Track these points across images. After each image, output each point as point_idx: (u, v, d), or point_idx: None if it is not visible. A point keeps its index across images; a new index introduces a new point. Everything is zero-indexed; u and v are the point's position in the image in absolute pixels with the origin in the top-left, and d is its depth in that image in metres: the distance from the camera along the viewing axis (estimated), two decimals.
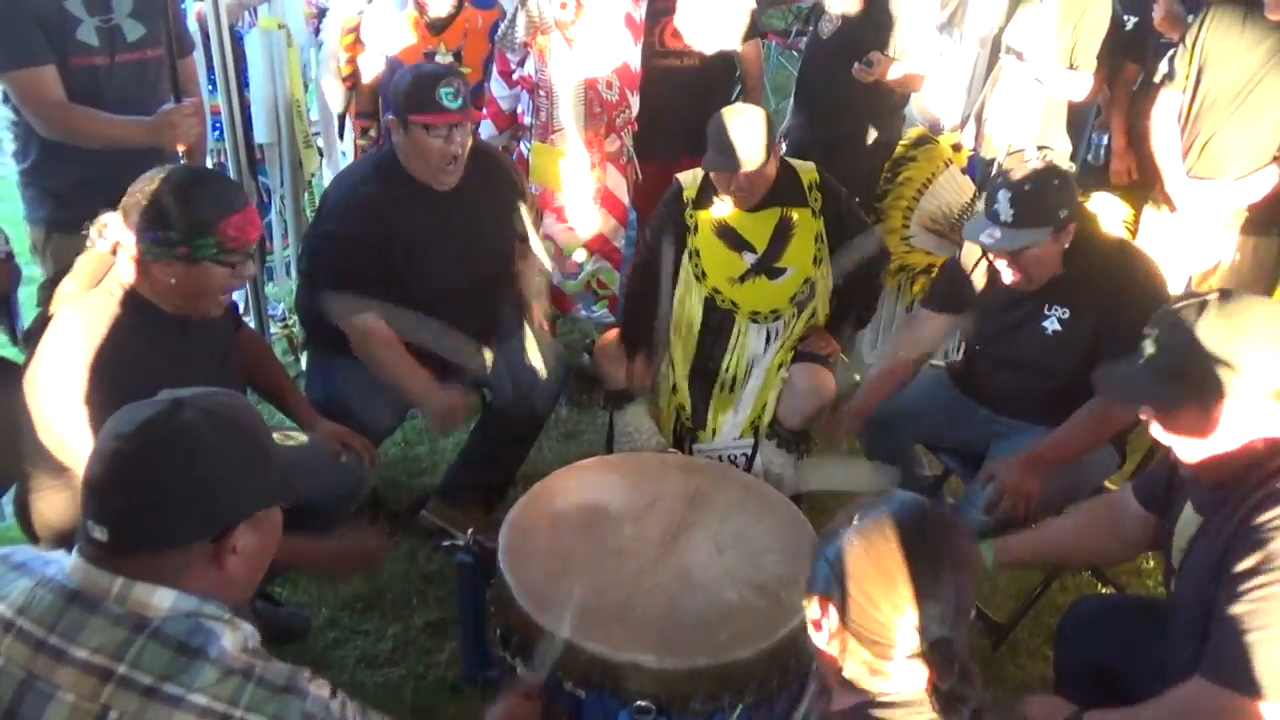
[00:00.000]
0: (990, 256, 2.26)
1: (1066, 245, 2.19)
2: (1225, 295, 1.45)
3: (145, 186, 1.75)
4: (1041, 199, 2.13)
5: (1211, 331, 1.41)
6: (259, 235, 1.85)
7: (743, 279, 2.64)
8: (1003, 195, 2.14)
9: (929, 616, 1.11)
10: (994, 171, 3.16)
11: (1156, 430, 1.52)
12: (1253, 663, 1.33)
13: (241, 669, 1.09)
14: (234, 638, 1.12)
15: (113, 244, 1.78)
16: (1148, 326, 1.52)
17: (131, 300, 1.78)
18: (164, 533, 1.11)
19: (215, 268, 1.77)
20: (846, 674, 1.16)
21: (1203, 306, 1.44)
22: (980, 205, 3.15)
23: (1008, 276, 2.24)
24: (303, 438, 1.28)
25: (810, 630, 1.20)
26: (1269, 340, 1.39)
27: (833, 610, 1.16)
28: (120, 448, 1.11)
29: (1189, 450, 1.49)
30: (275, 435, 1.24)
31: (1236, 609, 1.36)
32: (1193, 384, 1.42)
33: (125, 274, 1.78)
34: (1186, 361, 1.43)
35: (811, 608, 1.19)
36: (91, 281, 1.79)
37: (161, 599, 1.10)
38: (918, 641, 1.11)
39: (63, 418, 1.69)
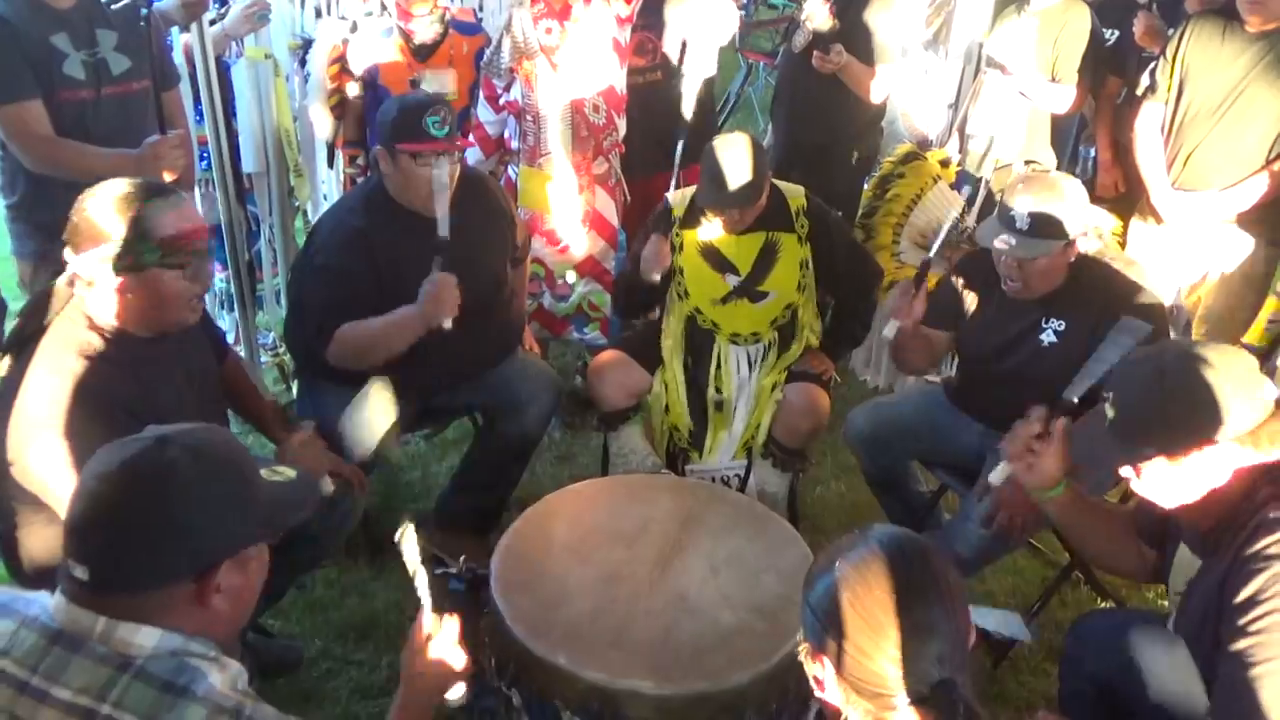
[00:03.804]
0: (999, 263, 2.27)
1: (1072, 260, 2.22)
2: (1175, 347, 1.47)
3: (78, 207, 1.73)
4: (1058, 214, 2.15)
5: (1168, 385, 1.42)
6: (203, 233, 1.81)
7: (725, 300, 2.64)
8: (1020, 204, 2.16)
9: (926, 659, 1.07)
10: (981, 186, 3.18)
11: (1136, 485, 1.51)
12: (1261, 697, 1.32)
13: (231, 708, 1.08)
14: (222, 677, 1.10)
15: (69, 276, 1.76)
16: (1105, 389, 1.52)
17: (95, 327, 1.76)
18: (145, 572, 1.09)
19: (164, 273, 1.74)
20: None
21: (1157, 360, 1.45)
22: (972, 218, 3.18)
23: (1009, 284, 2.26)
24: (291, 473, 1.27)
25: (813, 685, 1.17)
26: (1226, 387, 1.39)
27: (828, 664, 1.13)
28: (101, 487, 1.10)
29: (1168, 499, 1.49)
30: (263, 471, 1.23)
31: (1240, 644, 1.35)
32: (1156, 439, 1.43)
33: (87, 303, 1.76)
34: (1146, 419, 1.44)
35: (808, 663, 1.16)
36: (55, 317, 1.76)
37: (145, 638, 1.08)
38: (918, 688, 1.07)
39: (34, 452, 1.67)
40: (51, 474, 1.65)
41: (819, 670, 1.14)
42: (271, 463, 1.29)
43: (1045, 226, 2.15)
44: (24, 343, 1.75)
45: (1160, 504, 1.51)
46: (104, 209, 1.71)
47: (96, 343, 1.74)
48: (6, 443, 1.69)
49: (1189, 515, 1.50)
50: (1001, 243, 2.18)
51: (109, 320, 1.76)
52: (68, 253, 1.75)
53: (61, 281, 1.78)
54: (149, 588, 1.09)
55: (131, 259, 1.71)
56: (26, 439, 1.67)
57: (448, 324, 2.26)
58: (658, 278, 2.61)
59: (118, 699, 1.05)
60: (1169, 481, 1.46)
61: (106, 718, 1.05)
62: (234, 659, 1.16)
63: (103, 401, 1.68)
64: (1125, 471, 1.51)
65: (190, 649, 1.10)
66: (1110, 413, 1.49)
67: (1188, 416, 1.40)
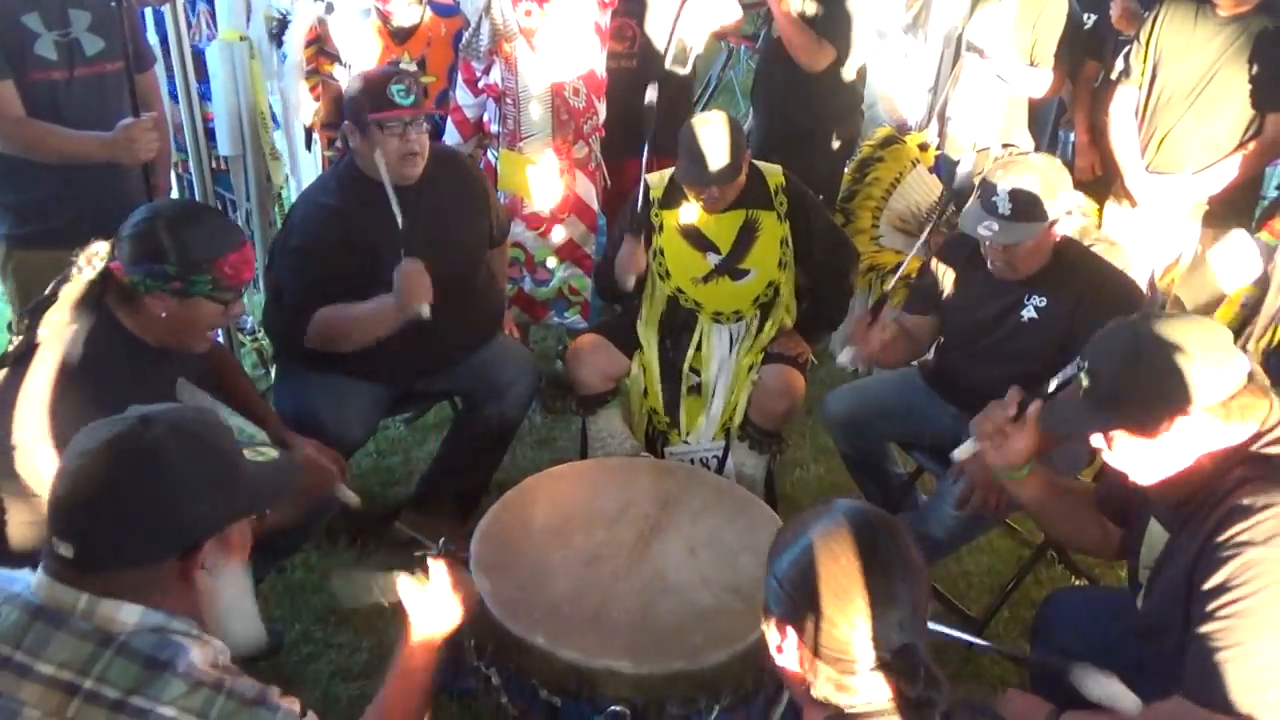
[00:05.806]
0: (984, 248, 2.28)
1: (1057, 239, 2.23)
2: (1149, 318, 1.47)
3: (142, 219, 1.77)
4: (1039, 196, 2.16)
5: (1141, 354, 1.43)
6: (253, 275, 1.88)
7: (706, 279, 2.65)
8: (1002, 189, 2.17)
9: (888, 626, 1.11)
10: (960, 170, 3.20)
11: (1109, 457, 1.52)
12: (1228, 680, 1.35)
13: (211, 682, 1.09)
14: (203, 653, 1.12)
15: (100, 273, 1.78)
16: (1079, 358, 1.53)
17: (114, 331, 1.79)
18: (130, 550, 1.10)
19: (207, 304, 1.80)
20: (814, 693, 1.15)
21: (1132, 329, 1.46)
22: (949, 206, 3.20)
23: (994, 265, 2.27)
24: (273, 453, 1.29)
25: (773, 654, 1.19)
26: (1199, 357, 1.40)
27: (791, 633, 1.15)
28: (86, 465, 1.11)
29: (1141, 473, 1.50)
30: (245, 451, 1.24)
31: (1209, 628, 1.37)
32: (1129, 409, 1.44)
33: (111, 305, 1.79)
34: (1120, 388, 1.45)
35: (770, 632, 1.18)
36: (75, 312, 1.78)
37: (128, 615, 1.10)
38: (880, 653, 1.11)
39: (39, 454, 1.67)
40: (48, 469, 1.64)
41: (780, 639, 1.16)
42: (255, 444, 1.31)
43: (1026, 210, 2.15)
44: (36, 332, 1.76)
45: (1135, 479, 1.51)
46: (171, 231, 1.74)
47: (113, 346, 1.77)
48: (10, 431, 1.69)
49: (1161, 490, 1.51)
50: (985, 229, 2.19)
51: (126, 325, 1.80)
52: (104, 249, 1.77)
53: (91, 275, 1.79)
54: (134, 565, 1.11)
55: (181, 284, 1.75)
56: (33, 438, 1.67)
57: (425, 312, 2.25)
58: (633, 283, 2.62)
59: (100, 673, 1.07)
60: (1143, 455, 1.47)
61: (89, 692, 1.06)
62: (217, 637, 1.17)
63: (108, 404, 1.67)
64: (1097, 442, 1.51)
65: (172, 626, 1.12)
66: (1085, 381, 1.50)
67: (1161, 386, 1.41)
